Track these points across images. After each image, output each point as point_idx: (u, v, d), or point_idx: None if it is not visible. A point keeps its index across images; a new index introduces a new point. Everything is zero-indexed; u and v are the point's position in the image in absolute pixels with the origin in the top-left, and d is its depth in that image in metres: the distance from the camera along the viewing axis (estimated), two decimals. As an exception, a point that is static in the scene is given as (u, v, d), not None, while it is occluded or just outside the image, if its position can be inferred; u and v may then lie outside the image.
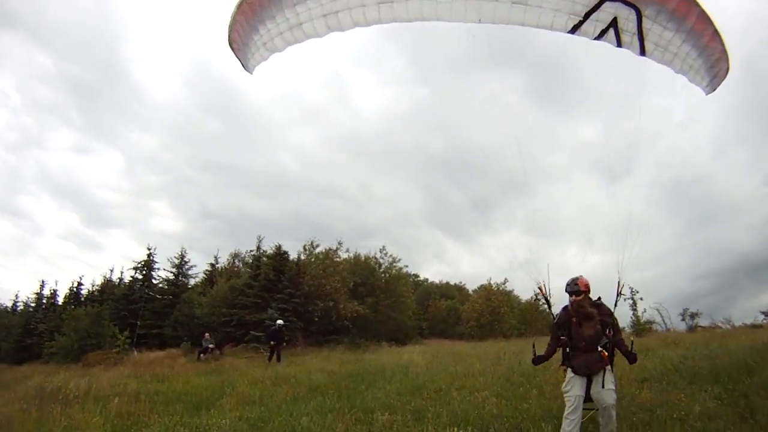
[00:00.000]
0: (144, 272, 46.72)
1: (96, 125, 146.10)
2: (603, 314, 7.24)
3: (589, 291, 7.34)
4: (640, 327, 28.08)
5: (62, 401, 13.37)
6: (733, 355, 12.47)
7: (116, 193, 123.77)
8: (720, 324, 28.37)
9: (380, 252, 46.28)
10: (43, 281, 61.44)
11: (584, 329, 7.10)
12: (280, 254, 40.19)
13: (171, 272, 47.42)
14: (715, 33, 6.67)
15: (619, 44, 6.80)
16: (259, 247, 45.61)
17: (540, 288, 7.93)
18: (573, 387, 6.99)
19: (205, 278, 49.58)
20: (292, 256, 41.08)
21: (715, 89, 7.34)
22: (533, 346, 7.66)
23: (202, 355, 29.91)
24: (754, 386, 9.40)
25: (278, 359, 24.54)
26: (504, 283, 51.41)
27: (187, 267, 48.31)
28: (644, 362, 9.26)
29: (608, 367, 6.99)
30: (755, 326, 25.02)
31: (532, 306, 50.41)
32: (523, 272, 7.94)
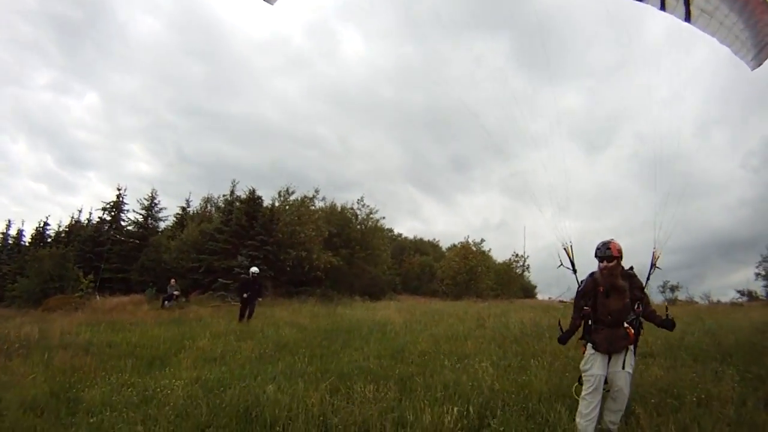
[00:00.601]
0: (113, 214, 44.91)
1: (77, 65, 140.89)
2: (634, 287, 6.37)
3: (621, 257, 6.29)
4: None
5: (6, 352, 11.90)
6: (736, 333, 12.31)
7: (93, 134, 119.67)
8: (698, 299, 28.12)
9: (357, 203, 45.26)
10: (9, 221, 57.50)
11: (611, 301, 6.27)
12: (253, 199, 38.42)
13: (140, 214, 45.57)
14: (765, 4, 6.29)
15: (662, 7, 6.59)
16: (232, 192, 44.08)
17: (566, 250, 7.07)
18: (593, 365, 6.21)
19: (176, 222, 47.87)
20: (267, 203, 39.52)
21: (761, 64, 6.89)
22: (559, 324, 6.92)
23: (166, 302, 28.58)
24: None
25: (249, 316, 19.61)
26: (481, 243, 50.91)
27: (156, 209, 46.47)
28: (645, 336, 8.48)
29: (632, 347, 6.28)
30: (735, 304, 24.89)
31: (509, 268, 49.79)
32: (550, 232, 7.10)
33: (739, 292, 26.20)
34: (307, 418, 6.54)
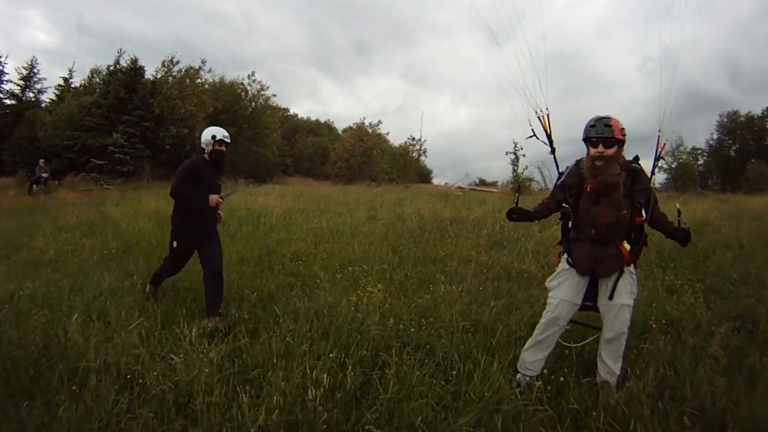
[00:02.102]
0: None
1: None
2: (638, 187, 4.37)
3: (624, 142, 4.31)
4: (520, 184, 27.25)
5: None
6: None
7: None
8: None
9: (248, 78, 42.05)
10: None
11: (600, 210, 4.28)
12: (134, 69, 34.08)
13: (18, 85, 39.76)
14: None
15: None
16: (118, 62, 37.07)
17: (541, 120, 5.01)
18: (562, 286, 4.51)
19: (57, 96, 42.06)
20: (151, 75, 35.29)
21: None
22: (517, 194, 5.42)
23: (34, 186, 25.14)
24: (716, 276, 8.15)
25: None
26: (378, 124, 48.50)
27: (35, 80, 40.71)
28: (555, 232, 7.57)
29: (629, 269, 4.39)
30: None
31: (405, 152, 48.43)
32: (520, 97, 5.00)
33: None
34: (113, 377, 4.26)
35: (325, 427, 3.62)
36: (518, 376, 4.52)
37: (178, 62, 35.96)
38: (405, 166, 46.94)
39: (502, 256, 9.42)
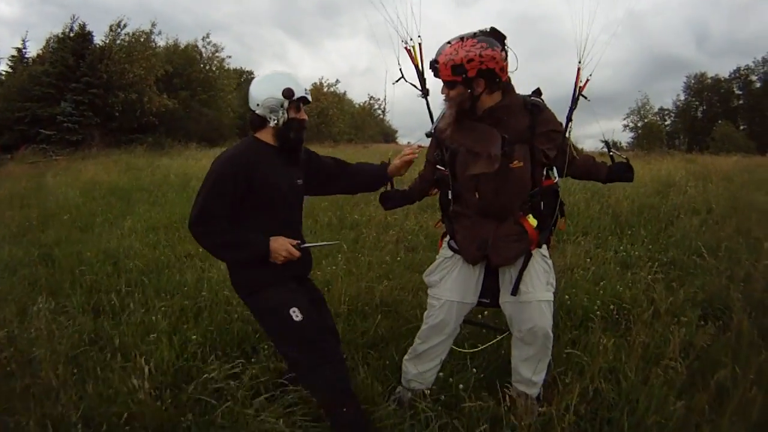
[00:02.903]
0: None
1: None
2: (540, 130, 3.08)
3: (497, 76, 2.96)
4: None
5: None
6: (626, 194, 10.01)
7: None
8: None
9: (202, 41, 40.86)
10: None
11: (480, 171, 3.00)
12: (83, 35, 33.07)
13: None
14: None
15: None
16: (71, 29, 35.38)
17: (410, 53, 3.37)
18: (445, 281, 3.29)
19: (11, 67, 40.07)
20: (100, 40, 34.21)
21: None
22: (385, 163, 3.72)
23: None
24: (680, 247, 7.02)
25: None
26: (336, 84, 48.29)
27: None
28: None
29: (539, 252, 3.21)
30: (604, 154, 24.55)
31: (365, 111, 48.13)
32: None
33: (604, 142, 25.41)
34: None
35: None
36: (398, 389, 3.49)
37: (125, 25, 34.80)
38: (364, 125, 46.61)
39: (433, 221, 7.54)
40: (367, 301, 5.00)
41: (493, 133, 2.92)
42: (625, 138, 43.88)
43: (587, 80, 3.26)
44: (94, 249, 7.19)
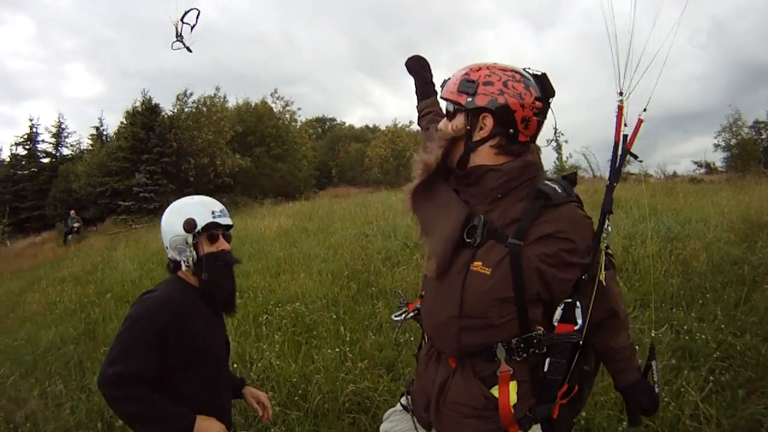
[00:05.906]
0: (28, 146, 41.21)
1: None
2: (540, 235, 1.75)
3: (515, 127, 1.84)
4: (566, 172, 25.04)
5: None
6: (706, 240, 7.68)
7: (29, 62, 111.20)
8: (653, 172, 26.15)
9: (271, 96, 41.77)
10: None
11: (439, 293, 1.93)
12: (150, 108, 34.38)
13: (50, 143, 41.89)
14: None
15: None
16: (144, 104, 36.30)
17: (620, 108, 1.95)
18: None
19: (91, 145, 43.07)
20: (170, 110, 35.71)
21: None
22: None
23: (68, 236, 25.34)
24: (761, 328, 4.88)
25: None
26: (411, 125, 47.08)
27: (65, 135, 42.62)
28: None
29: None
30: (694, 180, 22.27)
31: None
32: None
33: (696, 163, 24.20)
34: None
35: None
36: None
37: (191, 94, 36.13)
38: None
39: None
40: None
41: (456, 205, 1.92)
42: (718, 158, 40.78)
43: (639, 122, 1.89)
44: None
